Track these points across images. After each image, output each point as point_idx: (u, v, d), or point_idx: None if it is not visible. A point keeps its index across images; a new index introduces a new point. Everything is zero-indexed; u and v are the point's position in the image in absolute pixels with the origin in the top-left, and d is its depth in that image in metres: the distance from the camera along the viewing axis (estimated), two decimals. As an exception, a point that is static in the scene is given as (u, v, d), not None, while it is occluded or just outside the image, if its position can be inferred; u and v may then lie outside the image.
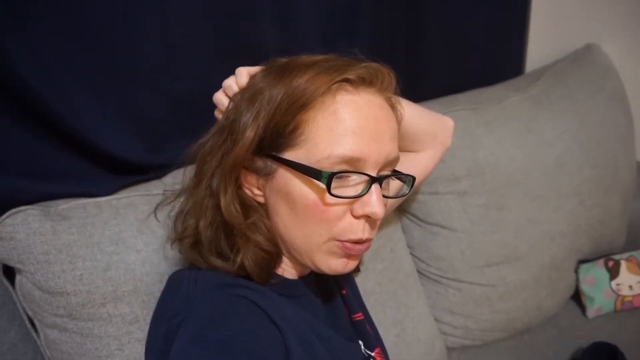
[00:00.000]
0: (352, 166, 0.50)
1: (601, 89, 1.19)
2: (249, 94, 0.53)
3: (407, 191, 0.60)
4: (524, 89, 1.13)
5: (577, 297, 1.15)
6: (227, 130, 0.54)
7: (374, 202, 0.50)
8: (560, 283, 1.11)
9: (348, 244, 0.52)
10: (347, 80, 0.51)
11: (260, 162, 0.53)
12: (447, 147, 0.78)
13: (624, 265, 1.12)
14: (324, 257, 0.53)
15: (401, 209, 1.01)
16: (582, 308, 1.13)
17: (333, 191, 0.49)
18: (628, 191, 1.21)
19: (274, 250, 0.55)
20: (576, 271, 1.14)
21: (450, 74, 1.15)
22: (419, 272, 1.01)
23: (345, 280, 0.70)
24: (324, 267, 0.54)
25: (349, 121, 0.50)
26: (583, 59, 1.23)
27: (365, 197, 0.51)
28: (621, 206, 1.19)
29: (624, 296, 1.10)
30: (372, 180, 0.51)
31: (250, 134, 0.51)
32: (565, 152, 1.09)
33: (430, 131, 0.73)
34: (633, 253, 1.15)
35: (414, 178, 0.57)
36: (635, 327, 1.08)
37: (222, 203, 0.53)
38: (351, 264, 0.54)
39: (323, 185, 0.49)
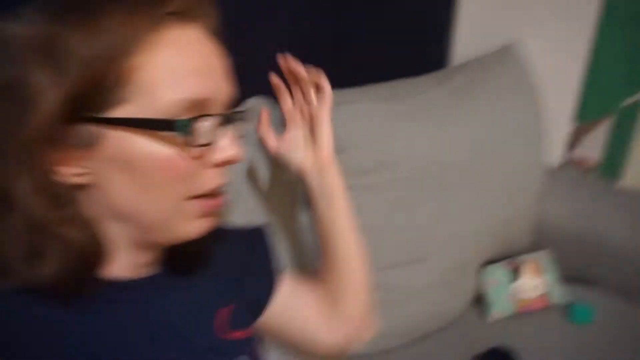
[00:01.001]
0: (200, 110, 0.44)
1: (518, 88, 1.17)
2: (36, 42, 0.40)
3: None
4: (444, 82, 1.07)
5: (479, 300, 1.11)
6: (4, 95, 0.40)
7: (234, 144, 0.47)
8: (464, 286, 1.07)
9: (206, 202, 0.47)
10: (170, 14, 0.43)
11: (75, 132, 0.41)
12: (355, 331, 0.72)
13: (526, 266, 1.10)
14: (181, 223, 0.47)
15: (306, 201, 0.90)
16: (484, 311, 1.09)
17: (196, 140, 0.43)
18: (534, 192, 1.19)
19: (95, 249, 0.45)
20: (480, 273, 1.10)
21: (374, 63, 1.11)
22: (317, 274, 0.91)
23: (238, 293, 0.60)
24: (182, 234, 0.48)
25: (188, 60, 0.44)
26: (504, 57, 1.20)
27: (224, 142, 0.47)
28: (528, 207, 1.17)
29: (524, 299, 1.08)
30: (227, 120, 0.47)
31: (51, 97, 0.39)
32: (479, 148, 1.05)
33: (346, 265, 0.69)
34: (535, 255, 1.13)
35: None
36: (532, 330, 1.06)
37: (19, 195, 0.41)
38: (211, 223, 0.49)
39: (178, 138, 0.43)
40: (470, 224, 1.03)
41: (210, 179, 0.47)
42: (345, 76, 1.04)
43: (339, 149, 0.85)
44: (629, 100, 1.61)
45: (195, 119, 0.43)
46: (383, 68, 1.10)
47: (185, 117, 0.43)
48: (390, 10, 1.11)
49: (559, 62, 1.21)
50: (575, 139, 1.59)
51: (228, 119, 0.47)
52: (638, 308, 1.13)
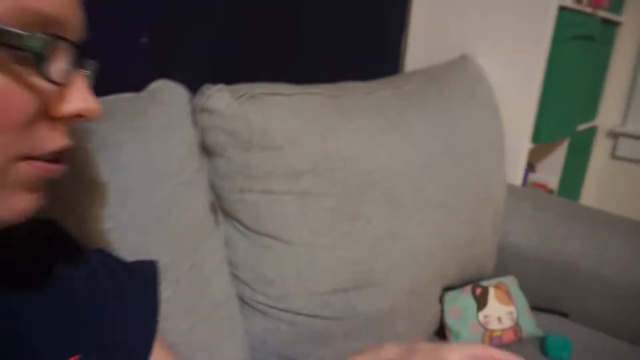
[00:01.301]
0: (47, 30, 0.30)
1: (476, 99, 1.09)
2: None
3: None
4: (396, 85, 0.98)
5: (441, 331, 0.95)
6: None
7: (90, 95, 0.33)
8: (423, 314, 0.91)
9: (43, 166, 0.32)
10: None
11: None
12: None
13: (492, 293, 0.96)
14: (4, 193, 0.31)
15: (224, 211, 0.73)
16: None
17: (46, 69, 0.29)
18: (499, 210, 1.08)
19: None
20: (441, 300, 0.95)
21: (325, 63, 1.08)
22: (241, 300, 0.73)
23: (96, 340, 0.41)
24: (5, 214, 0.32)
25: None
26: (457, 67, 1.13)
27: (77, 89, 0.33)
28: (492, 226, 1.05)
29: (493, 330, 0.93)
30: (81, 61, 0.34)
31: None
32: (434, 156, 0.93)
33: None
34: (502, 279, 1.00)
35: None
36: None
37: None
38: (40, 199, 0.34)
39: (20, 62, 0.28)
40: (426, 242, 0.89)
41: (54, 137, 0.33)
42: (293, 72, 0.97)
43: (274, 146, 0.71)
44: (585, 125, 1.57)
45: (53, 39, 0.29)
46: (334, 71, 1.04)
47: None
48: (343, 11, 1.09)
49: (514, 81, 1.16)
50: (532, 161, 1.52)
51: (82, 59, 0.34)
52: (617, 340, 1.00)
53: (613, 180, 1.80)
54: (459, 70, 1.12)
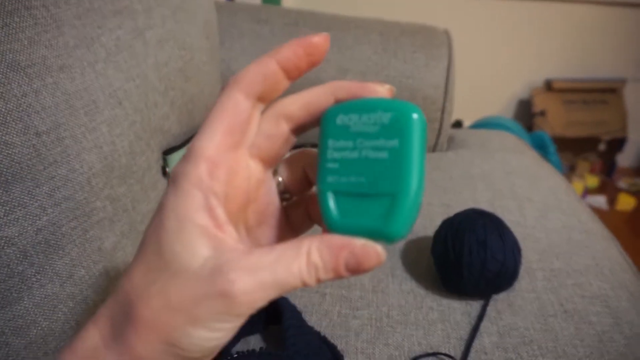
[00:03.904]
0: None
1: None
2: None
3: None
4: None
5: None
6: None
7: None
8: (135, 196, 0.55)
9: None
10: None
11: None
12: None
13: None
14: None
15: None
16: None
17: None
18: (211, 31, 0.74)
19: None
20: (164, 170, 0.60)
21: None
22: None
23: None
24: None
25: None
26: None
27: None
28: (207, 51, 0.71)
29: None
30: None
31: None
32: None
33: None
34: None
35: None
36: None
37: None
38: None
39: None
40: (118, 83, 0.50)
41: None
42: None
43: None
44: None
45: None
46: None
47: None
48: None
49: None
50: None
51: None
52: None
53: None
54: None
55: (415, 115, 0.22)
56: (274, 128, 0.24)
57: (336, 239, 0.22)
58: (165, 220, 0.22)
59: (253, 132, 0.24)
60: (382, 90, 0.23)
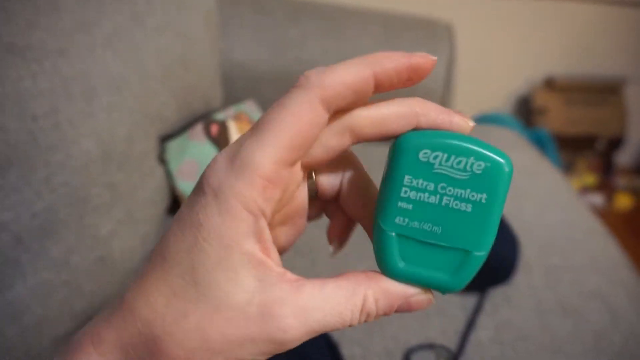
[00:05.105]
0: None
1: None
2: None
3: None
4: None
5: (176, 206, 0.62)
6: None
7: None
8: (135, 187, 0.54)
9: None
10: None
11: None
12: None
13: (233, 127, 0.65)
14: None
15: None
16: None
17: None
18: (211, 20, 0.73)
19: None
20: (162, 157, 0.60)
21: None
22: None
23: None
24: None
25: None
26: None
27: None
28: (207, 40, 0.71)
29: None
30: None
31: None
32: None
33: None
34: (240, 106, 0.69)
35: None
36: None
37: None
38: None
39: None
40: (118, 70, 0.49)
41: None
42: None
43: None
44: None
45: None
46: None
47: None
48: None
49: None
50: None
51: None
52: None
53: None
54: None
55: (508, 170, 0.19)
56: (337, 141, 0.21)
57: (395, 288, 0.20)
58: (205, 243, 0.18)
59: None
60: (466, 127, 0.20)
